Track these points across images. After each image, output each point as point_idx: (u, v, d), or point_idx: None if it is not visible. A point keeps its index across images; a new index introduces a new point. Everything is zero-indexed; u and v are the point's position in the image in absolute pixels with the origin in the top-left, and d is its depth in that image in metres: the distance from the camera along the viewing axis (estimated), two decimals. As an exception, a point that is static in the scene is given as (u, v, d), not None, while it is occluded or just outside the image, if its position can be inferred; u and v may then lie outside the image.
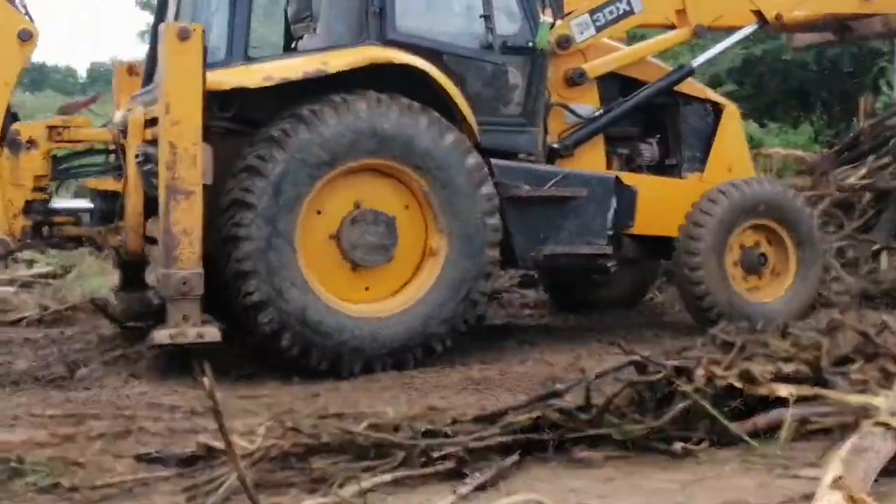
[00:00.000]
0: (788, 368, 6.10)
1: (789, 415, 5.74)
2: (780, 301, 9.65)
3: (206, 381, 2.32)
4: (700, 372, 5.91)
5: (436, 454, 5.40)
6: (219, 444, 5.64)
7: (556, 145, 9.46)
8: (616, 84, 9.92)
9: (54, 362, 8.74)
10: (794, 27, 11.10)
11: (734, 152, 10.28)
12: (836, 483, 4.37)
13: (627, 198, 9.37)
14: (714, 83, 21.71)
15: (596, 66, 9.70)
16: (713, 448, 5.69)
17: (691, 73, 10.11)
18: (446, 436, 5.61)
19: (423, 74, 8.60)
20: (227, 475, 5.19)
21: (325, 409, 6.98)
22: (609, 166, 9.75)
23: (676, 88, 10.07)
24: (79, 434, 6.34)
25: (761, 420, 5.82)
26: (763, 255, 9.72)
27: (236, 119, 8.42)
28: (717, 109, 10.32)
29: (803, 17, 10.55)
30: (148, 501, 5.13)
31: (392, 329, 8.40)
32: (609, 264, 9.68)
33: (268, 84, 8.15)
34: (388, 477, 5.25)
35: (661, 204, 9.58)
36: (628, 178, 9.56)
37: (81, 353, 9.14)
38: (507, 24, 9.25)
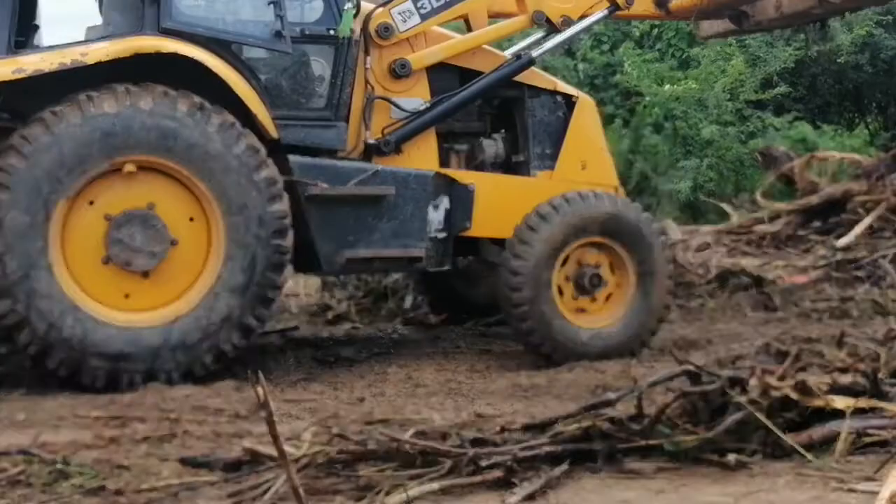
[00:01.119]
0: (845, 379, 5.95)
1: (846, 427, 5.61)
2: (614, 327, 8.77)
3: (259, 390, 2.24)
4: (754, 382, 5.76)
5: (484, 463, 5.31)
6: (265, 450, 5.62)
7: (372, 141, 8.74)
8: (453, 76, 9.18)
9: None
10: (681, 13, 10.44)
11: (588, 148, 9.45)
12: (894, 498, 4.24)
13: (463, 197, 8.82)
14: (766, 85, 21.55)
15: (422, 56, 8.98)
16: (767, 460, 5.55)
17: (531, 63, 9.26)
18: (494, 444, 5.53)
19: (198, 65, 8.02)
20: (273, 480, 5.16)
21: (370, 414, 6.94)
22: (447, 164, 9.09)
23: (523, 80, 9.32)
24: (124, 436, 6.34)
25: (817, 432, 5.68)
26: (597, 276, 8.78)
27: (12, 114, 8.04)
28: (570, 102, 9.50)
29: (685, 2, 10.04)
30: (193, 506, 5.08)
31: (174, 336, 7.89)
32: (444, 268, 9.03)
33: (19, 76, 7.65)
34: (435, 485, 5.18)
35: (504, 204, 8.83)
36: (465, 175, 8.98)
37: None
38: (308, 12, 8.83)
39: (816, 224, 14.90)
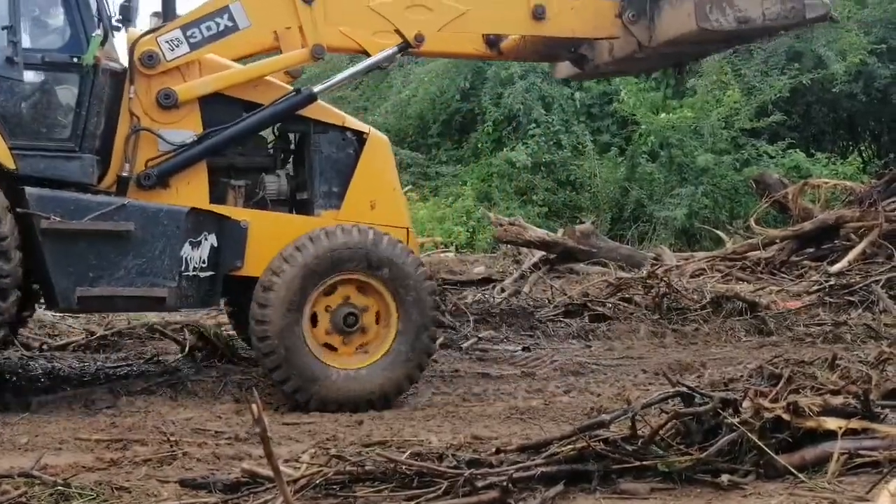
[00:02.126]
0: (837, 401, 6.01)
1: (837, 448, 5.67)
2: (374, 367, 8.21)
3: (254, 407, 2.32)
4: (747, 404, 5.85)
5: (480, 483, 5.37)
6: (263, 471, 5.68)
7: (125, 174, 8.27)
8: (233, 109, 8.69)
9: (100, 387, 8.81)
10: (512, 54, 10.02)
11: (378, 187, 8.87)
12: (886, 517, 4.31)
13: (235, 235, 8.37)
14: (761, 113, 21.71)
15: (192, 87, 8.48)
16: (760, 481, 5.62)
17: (312, 98, 8.77)
18: (490, 465, 5.58)
19: None
20: (272, 501, 5.22)
21: (368, 436, 7.01)
22: (223, 199, 8.62)
23: (310, 115, 8.85)
24: (124, 459, 6.40)
25: (809, 453, 5.75)
26: (353, 314, 8.28)
27: None
28: (361, 138, 8.97)
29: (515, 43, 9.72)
30: (192, 527, 5.14)
31: None
32: (208, 307, 8.84)
33: None
34: (431, 506, 5.24)
35: (281, 244, 8.26)
36: (238, 212, 8.49)
37: (126, 378, 9.20)
38: (51, 38, 8.45)
39: (810, 250, 15.01)
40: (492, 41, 9.48)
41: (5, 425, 7.47)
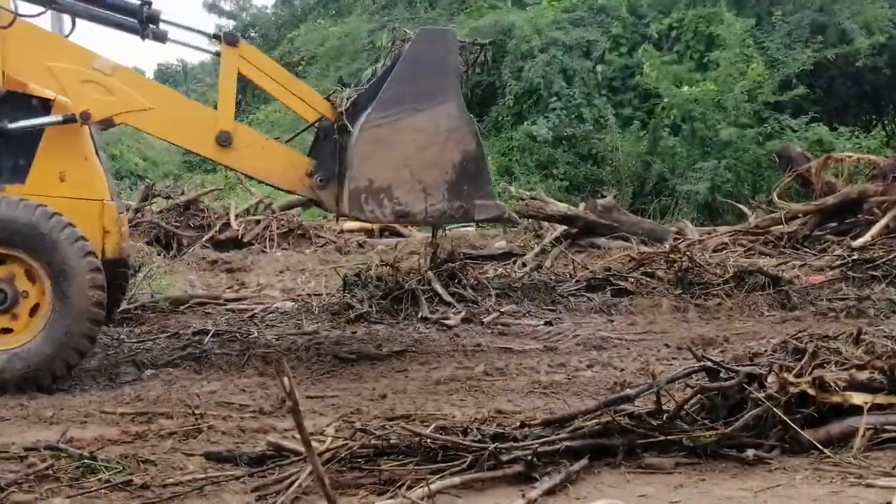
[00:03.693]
0: (862, 376, 5.97)
1: (863, 423, 5.64)
2: (33, 344, 7.78)
3: (285, 380, 2.32)
4: (772, 378, 5.82)
5: (504, 457, 5.37)
6: (289, 444, 5.70)
7: None
8: None
9: (124, 361, 8.85)
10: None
11: (67, 157, 8.35)
12: (913, 493, 4.28)
13: None
14: (784, 86, 21.57)
15: None
16: (785, 456, 5.59)
17: None
18: (515, 439, 5.58)
19: None
20: (297, 474, 5.24)
21: (392, 410, 7.01)
22: None
23: None
24: (150, 432, 6.42)
25: (834, 428, 5.72)
26: (2, 291, 7.86)
27: None
28: (47, 106, 8.35)
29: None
30: (218, 500, 5.16)
31: None
32: None
33: None
34: (456, 479, 5.24)
35: None
36: None
37: (150, 352, 9.24)
38: None
39: (833, 224, 14.95)
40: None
41: (30, 399, 7.51)
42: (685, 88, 22.10)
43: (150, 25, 9.12)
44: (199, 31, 9.34)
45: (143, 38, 9.14)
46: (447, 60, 8.76)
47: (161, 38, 9.22)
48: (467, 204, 8.70)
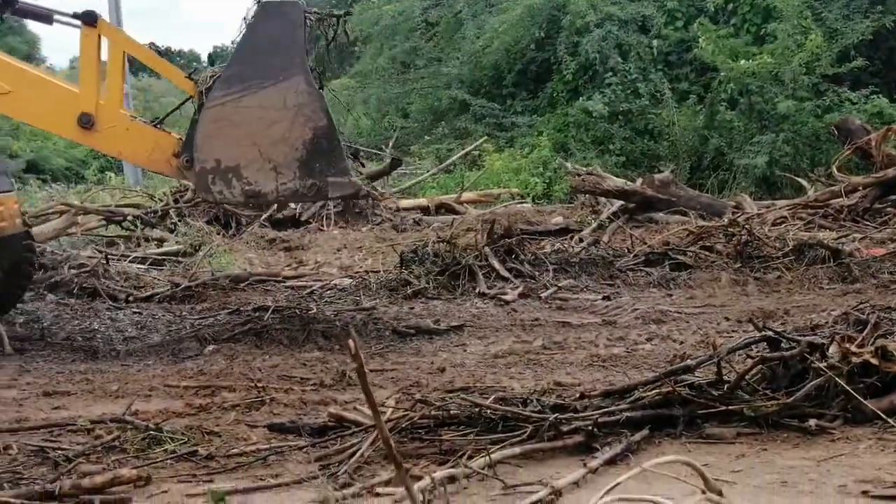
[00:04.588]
0: (926, 345, 5.92)
1: (928, 393, 5.60)
2: None
3: (351, 343, 2.35)
4: (834, 349, 5.78)
5: (565, 428, 5.39)
6: (350, 415, 5.76)
7: None
8: None
9: (186, 337, 8.97)
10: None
11: None
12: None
13: None
14: (842, 58, 21.27)
15: None
16: (847, 426, 5.55)
17: None
18: (575, 410, 5.59)
19: None
20: (359, 445, 5.29)
21: (451, 383, 7.05)
22: None
23: None
24: (213, 404, 6.52)
25: (898, 398, 5.68)
26: None
27: None
28: None
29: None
30: (282, 469, 5.22)
31: None
32: None
33: None
34: (516, 450, 5.26)
35: None
36: None
37: (212, 328, 9.35)
38: None
39: (893, 197, 14.74)
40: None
41: (96, 373, 7.65)
42: (742, 62, 21.84)
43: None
44: (56, 12, 9.05)
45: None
46: (292, 34, 8.50)
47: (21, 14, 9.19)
48: (320, 181, 8.44)
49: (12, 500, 4.66)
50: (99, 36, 8.68)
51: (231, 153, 8.39)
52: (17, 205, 9.05)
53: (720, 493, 2.82)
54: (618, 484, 2.86)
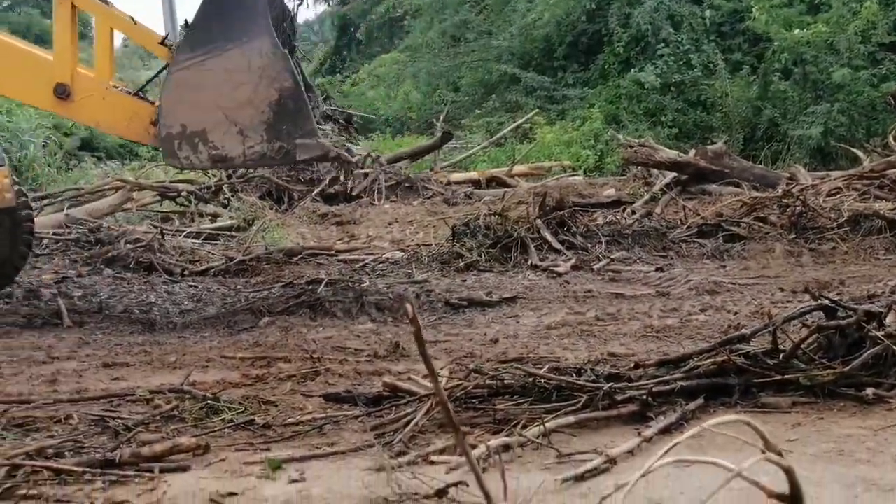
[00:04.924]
0: None
1: None
2: None
3: (409, 307, 2.37)
4: (891, 318, 5.73)
5: (619, 397, 5.39)
6: (404, 385, 5.79)
7: None
8: None
9: (241, 309, 9.05)
10: None
11: None
12: None
13: None
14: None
15: None
16: (905, 395, 5.51)
17: None
18: (629, 379, 5.58)
19: None
20: (413, 414, 5.32)
21: (504, 354, 7.06)
22: None
23: None
24: (269, 375, 6.58)
25: (957, 367, 5.62)
26: None
27: None
28: None
29: None
30: (337, 438, 5.26)
31: None
32: None
33: None
34: (571, 419, 5.27)
35: None
36: None
37: (266, 300, 9.42)
38: None
39: (952, 166, 14.52)
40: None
41: (153, 345, 7.74)
42: (796, 31, 21.58)
43: None
44: None
45: None
46: None
47: None
48: (288, 144, 8.24)
49: (74, 468, 4.74)
50: (73, 4, 8.55)
51: (197, 118, 8.25)
52: (7, 178, 8.99)
53: (780, 454, 2.80)
54: (676, 444, 2.84)
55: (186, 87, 8.24)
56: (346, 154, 8.63)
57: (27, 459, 4.84)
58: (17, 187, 9.29)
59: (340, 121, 9.31)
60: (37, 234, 10.43)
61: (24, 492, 4.47)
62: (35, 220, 10.12)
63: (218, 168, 8.83)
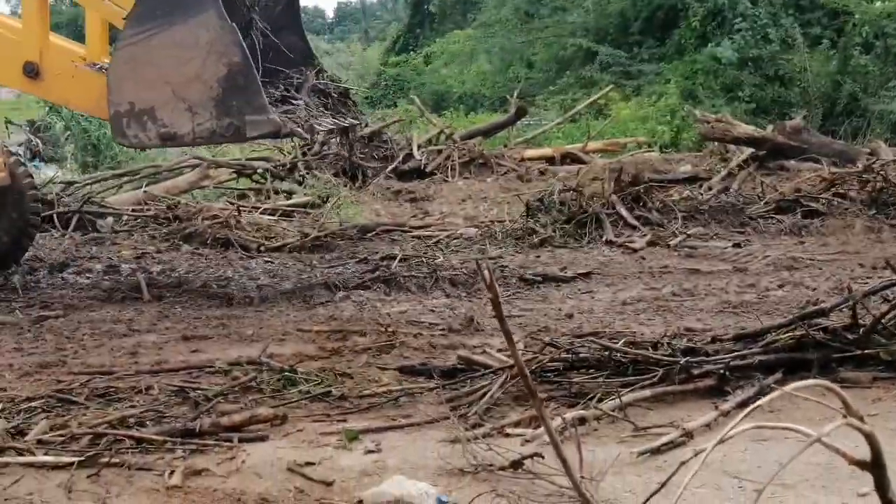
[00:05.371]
0: None
1: None
2: None
3: (486, 273, 2.37)
4: (976, 292, 5.63)
5: (696, 371, 5.36)
6: (479, 358, 5.81)
7: None
8: None
9: (317, 284, 9.12)
10: None
11: None
12: None
13: None
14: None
15: None
16: None
17: None
18: (706, 354, 5.55)
19: None
20: (488, 387, 5.34)
21: (579, 329, 7.04)
22: None
23: None
24: (345, 348, 6.64)
25: None
26: None
27: None
28: None
29: None
30: (413, 410, 5.31)
31: None
32: None
33: None
34: (647, 392, 5.26)
35: None
36: None
37: (341, 276, 9.47)
38: None
39: None
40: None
41: (231, 318, 7.84)
42: (877, 4, 21.19)
43: None
44: None
45: None
46: None
47: None
48: (238, 121, 7.94)
49: (155, 437, 4.83)
50: None
51: (145, 95, 8.03)
52: (0, 157, 9.00)
53: (862, 419, 2.77)
54: (756, 406, 2.82)
55: (134, 64, 8.02)
56: (301, 130, 8.30)
57: (110, 428, 4.95)
58: (22, 168, 9.37)
59: (334, 94, 9.13)
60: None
61: (106, 459, 4.57)
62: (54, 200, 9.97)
63: (167, 146, 8.71)
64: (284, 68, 9.00)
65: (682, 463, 2.60)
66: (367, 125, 9.15)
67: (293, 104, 8.64)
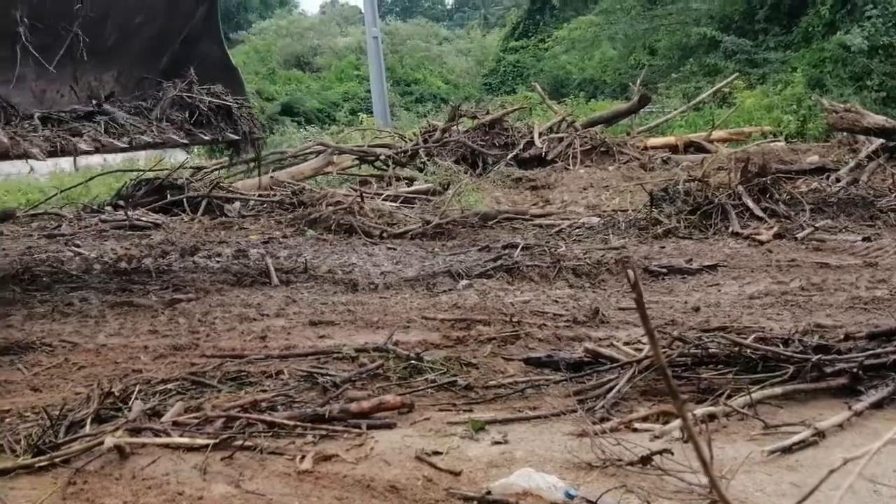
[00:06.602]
0: None
1: None
2: None
3: (630, 273, 2.36)
4: None
5: (828, 369, 5.25)
6: (606, 351, 5.78)
7: None
8: None
9: (439, 273, 9.17)
10: None
11: None
12: None
13: None
14: None
15: None
16: None
17: None
18: (839, 352, 5.44)
19: None
20: (616, 381, 5.31)
21: (707, 323, 6.95)
22: None
23: None
24: (469, 337, 6.66)
25: None
26: None
27: None
28: None
29: None
30: (539, 402, 5.29)
31: None
32: None
33: None
34: (777, 390, 5.17)
35: None
36: None
37: (463, 264, 9.51)
38: None
39: None
40: None
41: (356, 305, 7.93)
42: None
43: None
44: None
45: None
46: None
47: None
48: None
49: (287, 422, 4.91)
50: None
51: None
52: None
53: None
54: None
55: None
56: (36, 151, 7.55)
57: (242, 412, 5.05)
58: None
59: (204, 108, 8.79)
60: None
61: (240, 443, 4.66)
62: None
63: None
64: (202, 78, 8.85)
65: (832, 471, 2.54)
66: (260, 138, 8.89)
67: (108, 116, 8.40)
